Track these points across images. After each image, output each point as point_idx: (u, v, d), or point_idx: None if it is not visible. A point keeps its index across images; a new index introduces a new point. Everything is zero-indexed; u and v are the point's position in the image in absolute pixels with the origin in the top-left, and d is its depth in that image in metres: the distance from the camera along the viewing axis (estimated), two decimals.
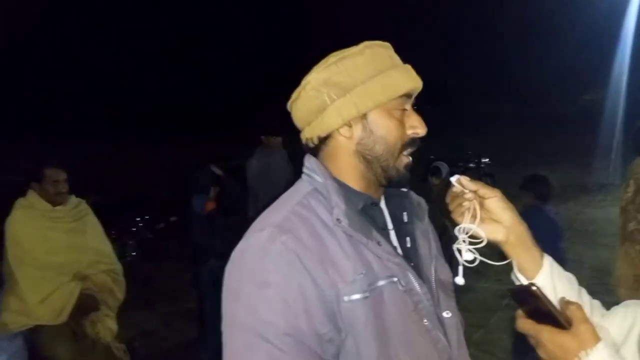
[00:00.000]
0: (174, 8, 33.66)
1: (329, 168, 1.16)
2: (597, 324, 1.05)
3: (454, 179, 1.10)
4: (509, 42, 30.65)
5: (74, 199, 3.18)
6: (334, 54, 1.15)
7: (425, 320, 1.11)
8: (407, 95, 1.15)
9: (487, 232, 1.07)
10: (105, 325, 3.18)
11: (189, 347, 4.47)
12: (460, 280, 1.11)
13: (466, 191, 1.09)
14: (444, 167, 5.98)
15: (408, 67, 1.17)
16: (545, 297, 0.91)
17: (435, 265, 1.23)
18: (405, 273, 1.11)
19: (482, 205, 1.08)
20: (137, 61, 31.64)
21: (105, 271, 3.18)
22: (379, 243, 1.09)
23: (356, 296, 1.03)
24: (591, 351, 0.87)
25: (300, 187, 1.17)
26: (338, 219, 1.06)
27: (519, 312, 0.97)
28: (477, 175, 9.77)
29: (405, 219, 1.24)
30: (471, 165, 9.62)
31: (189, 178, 4.89)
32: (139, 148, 18.22)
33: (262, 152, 4.94)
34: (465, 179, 1.09)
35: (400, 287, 1.09)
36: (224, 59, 32.33)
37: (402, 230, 1.22)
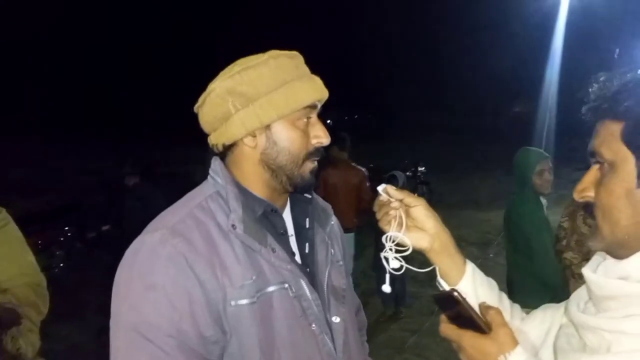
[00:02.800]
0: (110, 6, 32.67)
1: (234, 173, 1.18)
2: (517, 328, 1.09)
3: (380, 189, 1.12)
4: (446, 56, 31.80)
5: None
6: (239, 62, 1.16)
7: (313, 325, 1.16)
8: (312, 106, 1.17)
9: (412, 240, 1.09)
10: (28, 341, 2.98)
11: None
12: (387, 288, 1.13)
13: (392, 200, 1.11)
14: (401, 177, 6.11)
15: (314, 77, 1.20)
16: (466, 302, 0.94)
17: (329, 271, 1.27)
18: (297, 279, 1.15)
19: (407, 214, 1.10)
20: (72, 59, 30.39)
21: (27, 283, 2.98)
22: (273, 250, 1.12)
23: (243, 301, 1.07)
24: (509, 355, 0.90)
25: (204, 189, 1.19)
26: (233, 225, 1.09)
27: (442, 317, 0.99)
28: (414, 183, 10.04)
29: (307, 224, 1.28)
30: (408, 173, 9.90)
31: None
32: (70, 151, 17.45)
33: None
34: (391, 188, 1.11)
35: (291, 293, 1.13)
36: (164, 60, 31.62)
37: (303, 236, 1.26)
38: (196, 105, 1.20)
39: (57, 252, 6.67)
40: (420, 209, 1.10)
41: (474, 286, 1.09)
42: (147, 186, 5.10)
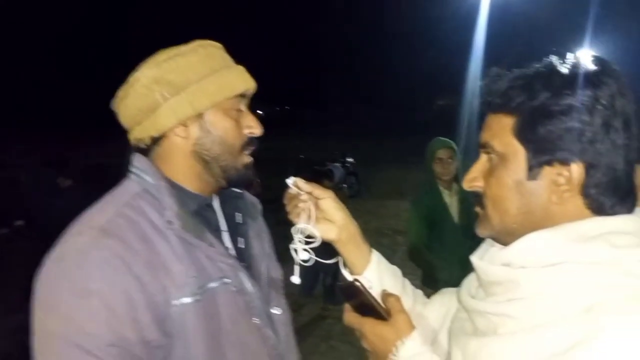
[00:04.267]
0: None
1: (162, 168, 1.13)
2: (419, 313, 1.15)
3: (290, 181, 1.13)
4: (377, 52, 32.59)
5: None
6: (164, 51, 1.12)
7: (255, 319, 1.14)
8: (242, 96, 1.16)
9: (321, 232, 1.11)
10: None
11: None
12: (296, 279, 1.15)
13: (302, 193, 1.13)
14: (338, 170, 6.11)
15: (241, 68, 1.18)
16: (367, 291, 0.98)
17: (267, 264, 1.27)
18: (237, 273, 1.13)
19: (316, 206, 1.12)
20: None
21: None
22: (211, 245, 1.09)
23: (186, 300, 1.02)
24: (406, 339, 0.95)
25: (128, 188, 1.12)
26: (170, 221, 1.04)
27: (346, 306, 1.03)
28: (344, 173, 10.16)
29: (239, 219, 1.26)
30: (337, 164, 10.03)
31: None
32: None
33: None
34: (301, 181, 1.13)
35: (232, 288, 1.11)
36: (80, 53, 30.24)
37: (236, 231, 1.24)
38: (116, 99, 1.13)
39: None
40: (328, 201, 1.13)
41: (379, 274, 1.13)
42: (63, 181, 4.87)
